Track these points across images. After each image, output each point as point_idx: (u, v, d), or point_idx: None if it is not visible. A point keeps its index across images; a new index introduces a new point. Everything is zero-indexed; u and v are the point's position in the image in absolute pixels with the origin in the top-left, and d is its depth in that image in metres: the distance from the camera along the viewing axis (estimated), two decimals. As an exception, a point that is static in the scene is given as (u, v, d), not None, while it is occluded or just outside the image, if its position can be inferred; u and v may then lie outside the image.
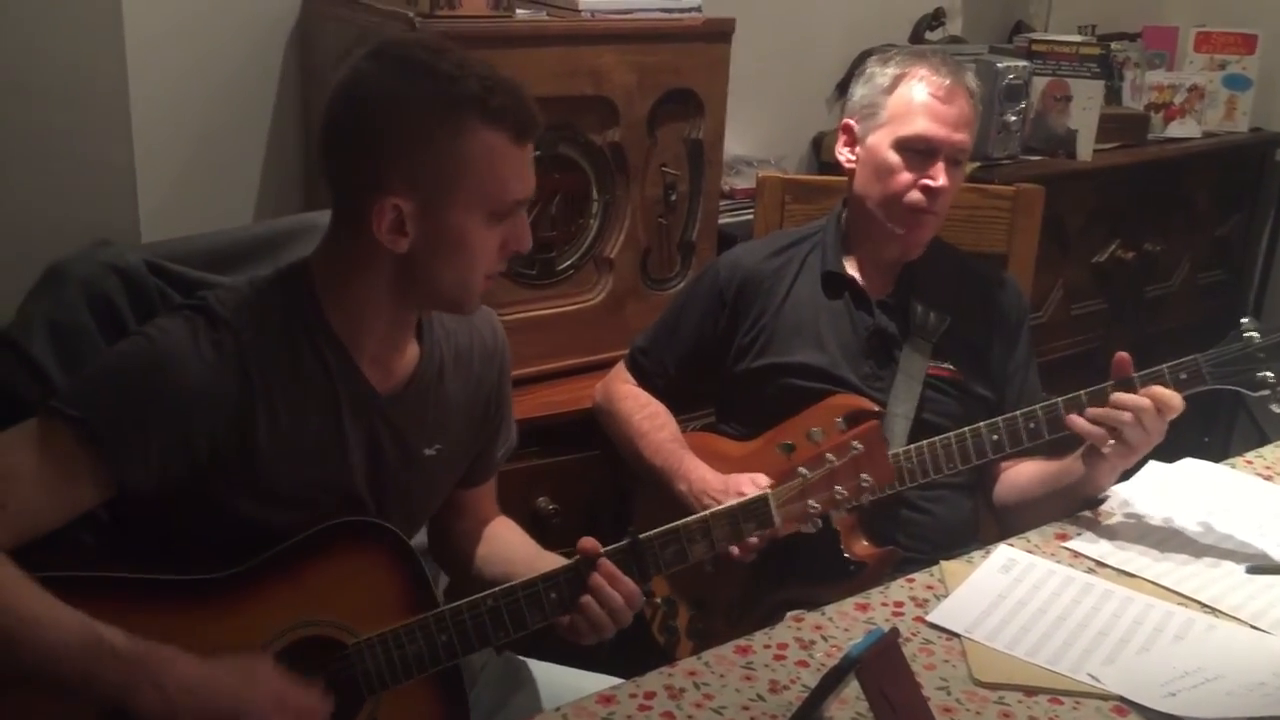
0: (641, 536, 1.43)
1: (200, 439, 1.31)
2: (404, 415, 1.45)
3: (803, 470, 1.48)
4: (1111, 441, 1.70)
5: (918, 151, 1.87)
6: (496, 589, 1.40)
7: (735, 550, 1.68)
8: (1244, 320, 1.71)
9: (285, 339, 1.37)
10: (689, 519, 1.46)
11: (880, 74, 1.92)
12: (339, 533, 1.38)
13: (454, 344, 1.52)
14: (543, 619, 1.41)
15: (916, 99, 1.88)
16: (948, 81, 1.87)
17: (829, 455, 1.48)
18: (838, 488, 1.48)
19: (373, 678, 1.37)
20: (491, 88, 1.31)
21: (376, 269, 1.36)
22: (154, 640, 1.24)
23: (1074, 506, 1.80)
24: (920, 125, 1.86)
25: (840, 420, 1.59)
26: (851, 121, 1.96)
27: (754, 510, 1.47)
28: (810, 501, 1.49)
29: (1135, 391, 1.70)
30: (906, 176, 1.88)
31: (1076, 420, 1.71)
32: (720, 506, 1.48)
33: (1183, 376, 1.70)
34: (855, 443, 1.48)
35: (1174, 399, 1.67)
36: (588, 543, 1.41)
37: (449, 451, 1.51)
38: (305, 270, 1.40)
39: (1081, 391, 1.74)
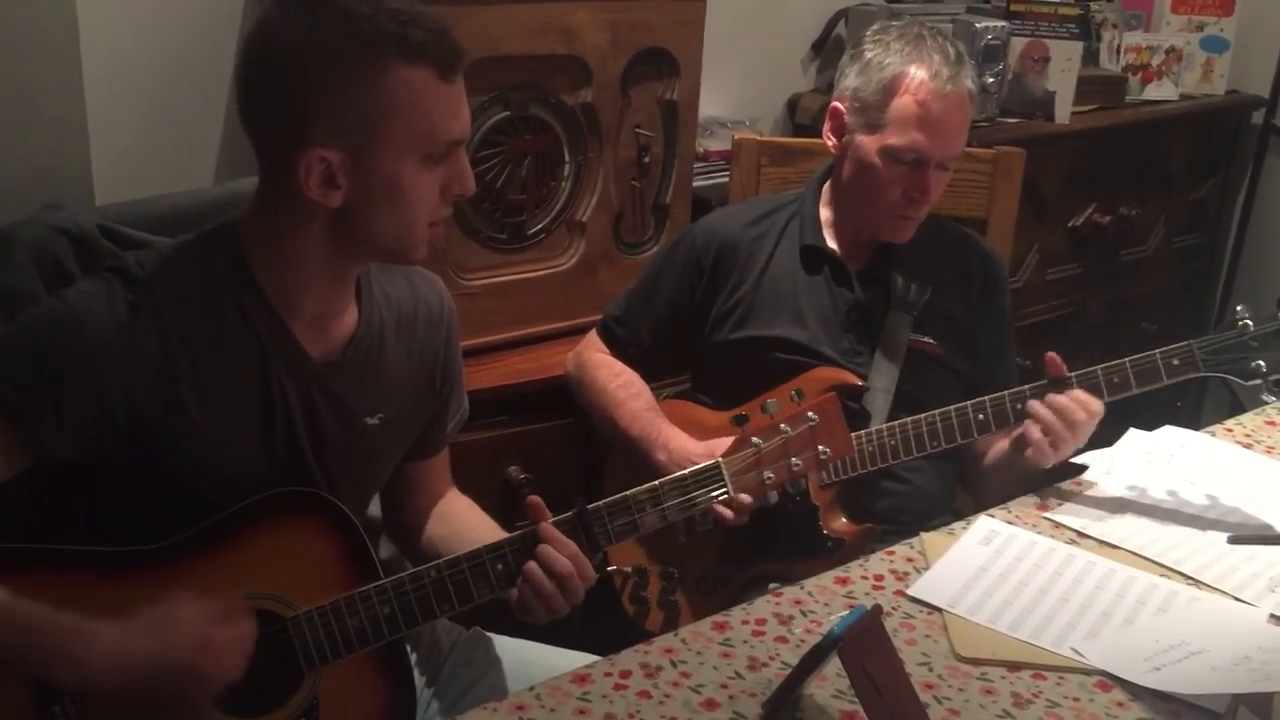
0: (589, 506, 1.40)
1: (117, 403, 1.27)
2: (341, 382, 1.40)
3: (756, 440, 1.44)
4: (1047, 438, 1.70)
5: (908, 161, 1.81)
6: (441, 560, 1.37)
7: (728, 513, 1.65)
8: (1239, 308, 1.69)
9: (209, 300, 1.32)
10: (639, 488, 1.42)
11: (877, 65, 1.82)
12: (278, 503, 1.35)
13: (396, 309, 1.47)
14: (489, 591, 1.37)
15: (912, 111, 1.78)
16: (948, 89, 1.78)
17: (783, 426, 1.44)
18: (793, 459, 1.44)
19: (312, 652, 1.33)
20: (408, 22, 1.24)
21: (310, 226, 1.31)
22: (77, 613, 1.21)
23: (1019, 483, 1.79)
24: (913, 139, 1.79)
25: (794, 393, 1.57)
26: (841, 108, 1.88)
27: (706, 478, 1.43)
28: (765, 472, 1.44)
29: (1068, 391, 1.70)
30: (894, 186, 1.82)
31: (1037, 408, 1.71)
32: (670, 475, 1.44)
33: (1175, 362, 1.68)
34: (810, 414, 1.44)
35: (1093, 404, 1.69)
36: (534, 501, 1.38)
37: (393, 420, 1.47)
38: (233, 231, 1.35)
39: (1073, 374, 1.73)
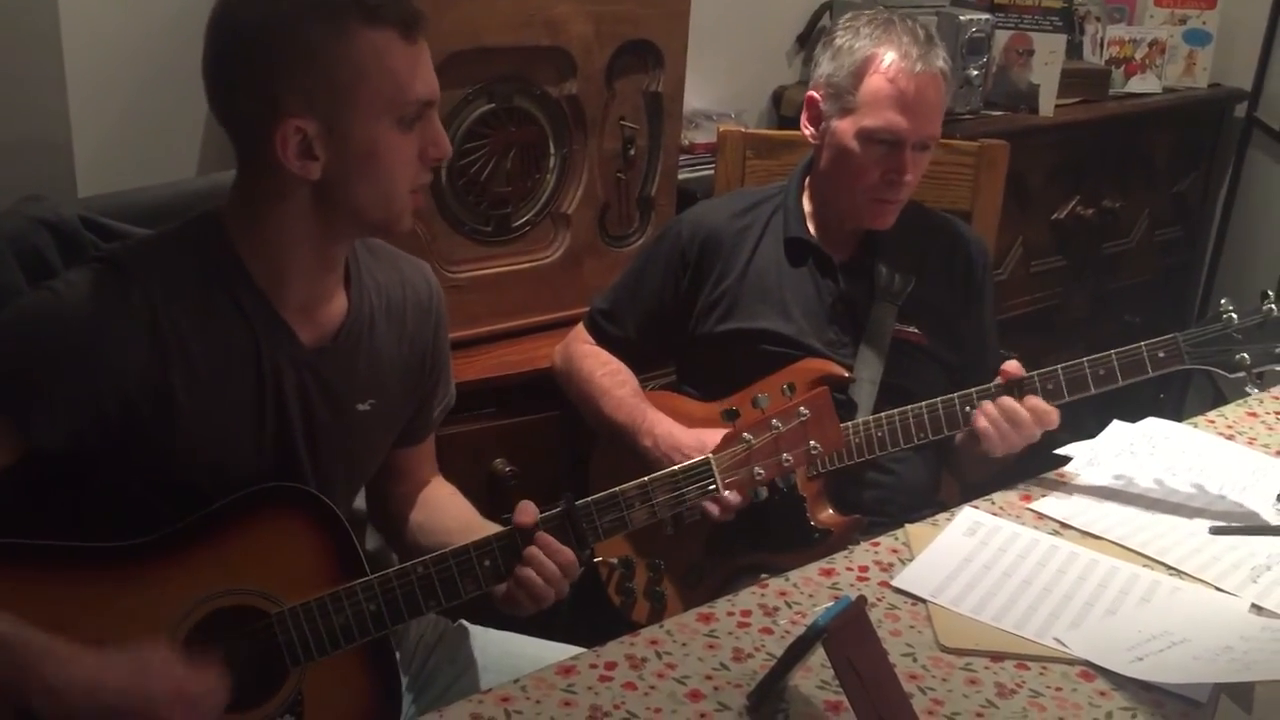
0: (578, 502, 1.40)
1: (109, 396, 1.27)
2: (333, 369, 1.40)
3: (747, 435, 1.44)
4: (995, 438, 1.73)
5: (884, 142, 1.81)
6: (428, 556, 1.37)
7: (716, 510, 1.65)
8: (1223, 301, 1.70)
9: (199, 290, 1.32)
10: (628, 484, 1.42)
11: (848, 50, 1.84)
12: (264, 498, 1.34)
13: (385, 296, 1.47)
14: (476, 587, 1.37)
15: (884, 91, 1.79)
16: (918, 68, 1.79)
17: (774, 421, 1.44)
18: (784, 454, 1.44)
19: (297, 648, 1.33)
20: None
21: (292, 203, 1.31)
22: (61, 619, 1.21)
23: (986, 460, 1.81)
24: (887, 118, 1.79)
25: (786, 387, 1.56)
26: (816, 96, 1.89)
27: (696, 474, 1.43)
28: (756, 468, 1.44)
29: (1021, 397, 1.72)
30: (872, 169, 1.82)
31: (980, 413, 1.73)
32: (660, 471, 1.44)
33: (1161, 355, 1.69)
34: (802, 408, 1.44)
35: (1051, 415, 1.71)
36: (525, 512, 1.38)
37: (384, 407, 1.47)
38: (217, 218, 1.35)
39: (1059, 366, 1.73)
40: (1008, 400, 1.72)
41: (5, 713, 1.23)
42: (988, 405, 1.73)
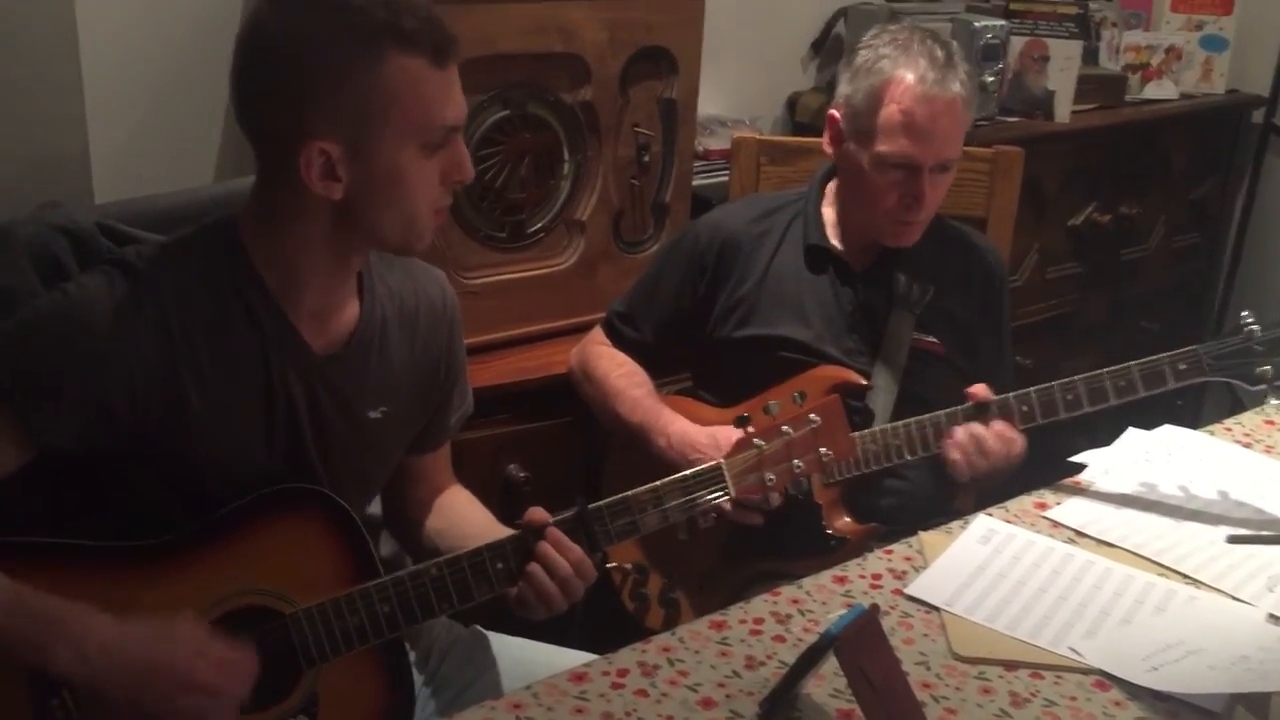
0: (590, 506, 1.40)
1: (119, 398, 1.28)
2: (344, 376, 1.41)
3: (759, 441, 1.44)
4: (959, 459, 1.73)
5: (900, 167, 1.80)
6: (441, 559, 1.37)
7: (727, 504, 1.65)
8: (1244, 313, 1.69)
9: (211, 294, 1.32)
10: (640, 489, 1.42)
11: (865, 71, 1.82)
12: (279, 500, 1.35)
13: (398, 302, 1.47)
14: (489, 590, 1.38)
15: (897, 119, 1.77)
16: (935, 92, 1.77)
17: (785, 428, 1.44)
18: (795, 461, 1.45)
19: (311, 649, 1.33)
20: (400, 11, 1.25)
21: (311, 219, 1.31)
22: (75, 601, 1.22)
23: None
24: (901, 146, 1.78)
25: (797, 395, 1.58)
26: (836, 115, 1.88)
27: (708, 479, 1.44)
28: (767, 474, 1.44)
29: (988, 421, 1.73)
30: (889, 192, 1.81)
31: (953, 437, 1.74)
32: (672, 476, 1.44)
33: (1182, 367, 1.69)
34: (812, 415, 1.44)
35: (1016, 442, 1.73)
36: (536, 514, 1.39)
37: (396, 415, 1.47)
38: (233, 225, 1.35)
39: (1079, 377, 1.73)
40: (976, 426, 1.72)
41: (21, 682, 1.24)
42: (957, 432, 1.72)
